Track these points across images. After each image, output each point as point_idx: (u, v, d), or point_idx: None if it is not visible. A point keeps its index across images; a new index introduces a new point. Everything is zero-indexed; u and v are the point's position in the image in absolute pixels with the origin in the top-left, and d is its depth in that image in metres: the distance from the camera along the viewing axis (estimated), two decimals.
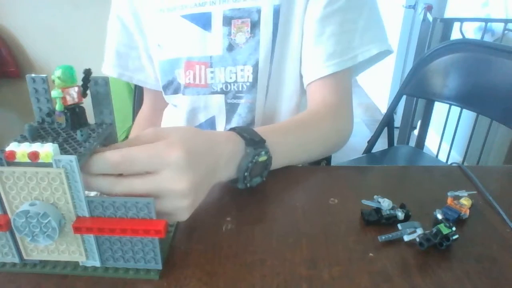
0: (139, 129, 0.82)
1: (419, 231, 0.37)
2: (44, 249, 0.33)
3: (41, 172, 0.30)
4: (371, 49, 0.63)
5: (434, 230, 0.37)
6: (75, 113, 0.34)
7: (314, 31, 0.62)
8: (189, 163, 0.35)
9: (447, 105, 1.17)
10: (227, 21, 0.64)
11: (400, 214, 0.40)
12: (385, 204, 0.41)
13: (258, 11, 0.62)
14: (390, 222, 0.40)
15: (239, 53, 0.65)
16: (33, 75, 0.34)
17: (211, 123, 0.72)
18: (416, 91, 1.13)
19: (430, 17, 1.87)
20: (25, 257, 0.34)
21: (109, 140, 0.37)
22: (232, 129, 0.46)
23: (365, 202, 0.41)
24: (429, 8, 1.96)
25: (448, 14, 2.21)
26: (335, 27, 0.62)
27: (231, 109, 0.69)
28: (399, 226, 0.38)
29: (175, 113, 0.76)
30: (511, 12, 1.69)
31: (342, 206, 0.44)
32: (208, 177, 0.39)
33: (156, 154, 0.34)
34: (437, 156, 1.42)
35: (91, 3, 1.79)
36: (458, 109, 1.15)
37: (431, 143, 2.06)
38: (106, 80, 0.35)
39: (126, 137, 1.54)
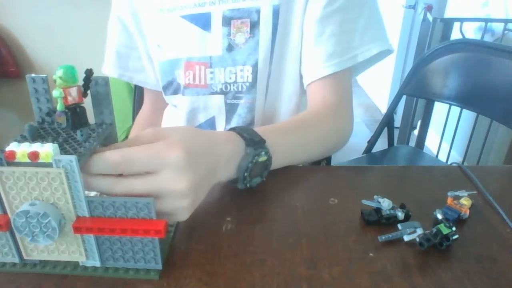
0: (139, 129, 0.82)
1: (419, 231, 0.37)
2: (44, 249, 0.33)
3: (41, 172, 0.30)
4: (371, 48, 0.63)
5: (434, 230, 0.37)
6: (76, 113, 0.34)
7: (314, 31, 0.62)
8: (189, 163, 0.35)
9: (447, 105, 1.17)
10: (227, 21, 0.64)
11: (400, 214, 0.40)
12: (385, 204, 0.41)
13: (258, 12, 0.62)
14: (390, 222, 0.40)
15: (238, 54, 0.65)
16: (33, 75, 0.34)
17: (211, 123, 0.72)
18: (416, 91, 1.13)
19: (430, 17, 1.87)
20: (25, 257, 0.34)
21: (109, 140, 0.37)
22: (232, 129, 0.46)
23: (365, 202, 0.41)
24: (429, 8, 1.96)
25: (448, 14, 2.21)
26: (335, 27, 0.62)
27: (230, 109, 0.69)
28: (399, 226, 0.38)
29: (175, 114, 0.76)
30: (511, 12, 1.69)
31: (342, 206, 0.44)
32: (208, 177, 0.39)
33: (156, 154, 0.34)
34: (437, 156, 1.42)
35: (90, 3, 1.79)
36: (458, 109, 1.15)
37: (431, 143, 2.06)
38: (106, 80, 0.35)
39: (126, 137, 1.54)
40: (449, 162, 1.40)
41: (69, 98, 0.33)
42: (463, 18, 1.76)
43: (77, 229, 0.31)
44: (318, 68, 0.63)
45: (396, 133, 1.30)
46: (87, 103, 0.36)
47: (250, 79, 0.65)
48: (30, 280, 0.34)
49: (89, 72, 0.34)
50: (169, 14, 0.67)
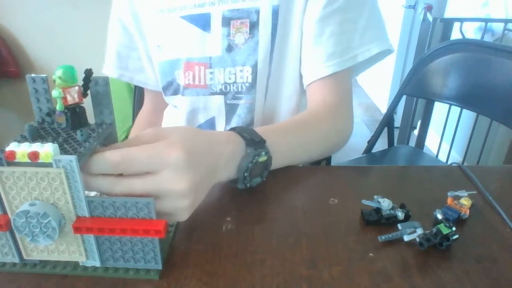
0: (139, 130, 0.82)
1: (419, 231, 0.37)
2: (44, 249, 0.33)
3: (41, 172, 0.30)
4: (372, 48, 0.63)
5: (434, 230, 0.37)
6: (75, 113, 0.34)
7: (314, 32, 0.62)
8: (189, 163, 0.35)
9: (447, 105, 1.17)
10: (226, 21, 0.64)
11: (400, 214, 0.40)
12: (385, 204, 0.41)
13: (257, 12, 0.62)
14: (390, 222, 0.40)
15: (238, 54, 0.65)
16: (33, 75, 0.34)
17: (210, 123, 0.72)
18: (416, 91, 1.13)
19: (430, 17, 1.87)
20: (25, 257, 0.34)
21: (109, 140, 0.37)
22: (232, 129, 0.46)
23: (365, 202, 0.41)
24: (429, 8, 1.96)
25: (448, 14, 2.21)
26: (334, 27, 0.62)
27: (230, 109, 0.69)
28: (399, 226, 0.38)
29: (175, 114, 0.76)
30: (511, 12, 1.69)
31: (342, 206, 0.44)
32: (208, 177, 0.39)
33: (155, 155, 0.34)
34: (437, 156, 1.42)
35: (90, 3, 1.79)
36: (458, 109, 1.15)
37: (431, 143, 2.06)
38: (106, 80, 0.35)
39: (126, 137, 1.54)
40: (449, 162, 1.40)
41: (69, 98, 0.33)
42: (463, 18, 1.76)
43: (77, 229, 0.31)
44: (318, 68, 0.63)
45: (396, 133, 1.30)
46: (87, 103, 0.36)
47: (249, 80, 0.65)
48: (30, 280, 0.34)
49: (88, 72, 0.34)
50: (169, 15, 0.67)
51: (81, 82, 0.34)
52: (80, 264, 0.34)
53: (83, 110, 0.35)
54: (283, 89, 0.68)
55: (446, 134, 1.35)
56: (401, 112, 2.09)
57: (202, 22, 0.65)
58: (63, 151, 0.31)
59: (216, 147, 0.41)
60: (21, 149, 0.29)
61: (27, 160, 0.29)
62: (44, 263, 0.35)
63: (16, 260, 0.34)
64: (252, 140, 0.45)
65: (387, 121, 1.18)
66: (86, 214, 0.32)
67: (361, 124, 2.90)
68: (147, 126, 0.79)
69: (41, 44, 1.88)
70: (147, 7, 0.69)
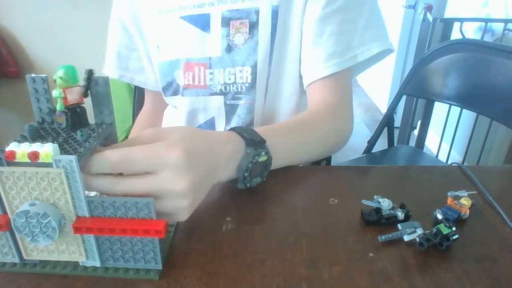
0: (139, 130, 0.82)
1: (419, 231, 0.37)
2: (44, 249, 0.33)
3: (41, 172, 0.30)
4: (372, 48, 0.63)
5: (434, 230, 0.37)
6: (76, 113, 0.34)
7: (314, 32, 0.62)
8: (188, 163, 0.35)
9: (447, 105, 1.17)
10: (226, 22, 0.64)
11: (400, 214, 0.40)
12: (385, 204, 0.41)
13: (257, 12, 0.62)
14: (390, 222, 0.40)
15: (237, 54, 0.65)
16: (33, 75, 0.34)
17: (210, 124, 0.72)
18: (416, 91, 1.13)
19: (430, 17, 1.87)
20: (25, 257, 0.34)
21: (109, 140, 0.37)
22: (232, 129, 0.46)
23: (365, 202, 0.41)
24: (429, 8, 1.96)
25: (448, 14, 2.21)
26: (334, 27, 0.62)
27: (230, 110, 0.69)
28: (399, 226, 0.38)
29: (175, 114, 0.76)
30: (511, 12, 1.69)
31: (342, 206, 0.44)
32: (208, 177, 0.39)
33: (155, 155, 0.34)
34: (437, 156, 1.42)
35: (90, 3, 1.79)
36: (458, 109, 1.15)
37: (431, 143, 2.06)
38: (106, 80, 0.35)
39: (126, 137, 1.54)
40: (449, 162, 1.40)
41: (69, 98, 0.33)
42: (463, 18, 1.76)
43: (77, 229, 0.31)
44: (318, 69, 0.63)
45: (396, 133, 1.30)
46: (87, 103, 0.36)
47: (249, 80, 0.65)
48: (30, 280, 0.34)
49: (90, 73, 0.34)
50: (168, 15, 0.67)
51: (81, 82, 0.34)
52: (80, 264, 0.34)
53: (83, 110, 0.35)
54: (283, 89, 0.68)
55: (446, 134, 1.35)
56: (401, 112, 2.09)
57: (202, 22, 0.65)
58: (63, 151, 0.31)
59: (216, 147, 0.41)
60: (21, 149, 0.29)
61: (27, 160, 0.29)
62: (44, 263, 0.35)
63: (16, 260, 0.34)
64: (252, 140, 0.45)
65: (387, 121, 1.18)
66: (86, 214, 0.32)
67: (361, 124, 2.90)
68: (147, 127, 0.79)
69: (41, 44, 1.88)
70: (147, 8, 0.69)
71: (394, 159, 1.20)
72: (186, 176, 0.35)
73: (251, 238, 0.39)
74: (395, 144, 1.26)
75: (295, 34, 0.64)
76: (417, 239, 0.36)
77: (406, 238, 0.37)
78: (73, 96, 0.34)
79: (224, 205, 0.44)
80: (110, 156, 0.33)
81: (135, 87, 1.05)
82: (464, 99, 1.05)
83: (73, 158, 0.29)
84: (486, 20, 1.74)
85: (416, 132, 1.85)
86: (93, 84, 0.35)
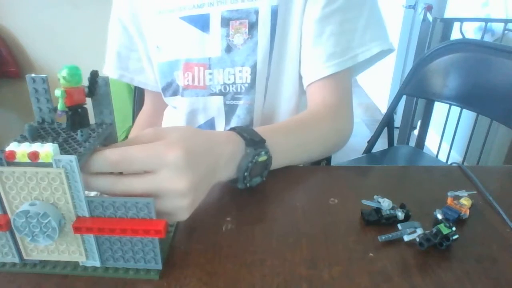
0: (139, 130, 0.82)
1: (419, 231, 0.37)
2: (44, 249, 0.33)
3: (41, 172, 0.30)
4: (372, 48, 0.63)
5: (434, 230, 0.37)
6: (77, 114, 0.34)
7: (313, 32, 0.62)
8: (188, 163, 0.35)
9: (447, 105, 1.17)
10: (225, 22, 0.64)
11: (400, 214, 0.40)
12: (385, 204, 0.41)
13: (256, 12, 0.62)
14: (390, 222, 0.40)
15: (237, 54, 0.65)
16: (33, 75, 0.34)
17: (210, 124, 0.72)
18: (416, 91, 1.13)
19: (430, 17, 1.87)
20: (25, 257, 0.34)
21: (109, 140, 0.37)
22: (232, 129, 0.46)
23: (365, 202, 0.41)
24: (429, 8, 1.96)
25: (448, 14, 2.21)
26: (334, 27, 0.62)
27: (230, 110, 0.69)
28: (399, 226, 0.38)
29: (175, 115, 0.76)
30: (511, 12, 1.69)
31: (342, 206, 0.44)
32: (207, 177, 0.39)
33: (154, 154, 0.34)
34: (437, 156, 1.42)
35: (90, 3, 1.79)
36: (458, 109, 1.15)
37: (431, 143, 2.06)
38: (106, 80, 0.35)
39: (126, 137, 1.54)
40: (449, 162, 1.40)
41: (71, 99, 0.33)
42: (463, 18, 1.76)
43: (77, 229, 0.31)
44: (318, 69, 0.63)
45: (396, 133, 1.30)
46: (87, 103, 0.36)
47: (248, 80, 0.65)
48: (30, 280, 0.34)
49: (94, 74, 0.34)
50: (168, 16, 0.67)
51: (84, 83, 0.34)
52: (80, 264, 0.34)
53: (85, 111, 0.35)
54: (283, 89, 0.68)
55: (446, 134, 1.35)
56: (401, 112, 2.09)
57: (201, 23, 0.65)
58: (63, 151, 0.31)
59: (216, 147, 0.41)
60: (21, 149, 0.29)
61: (27, 160, 0.29)
62: (44, 263, 0.35)
63: (16, 260, 0.34)
64: (252, 140, 0.45)
65: (387, 121, 1.18)
66: (86, 214, 0.32)
67: (361, 124, 2.90)
68: (147, 127, 0.78)
69: (41, 44, 1.89)
70: (147, 8, 0.69)
71: (394, 159, 1.20)
72: (186, 175, 0.35)
73: (251, 238, 0.39)
74: (395, 144, 1.26)
75: (295, 34, 0.64)
76: (417, 239, 0.36)
77: (406, 238, 0.37)
78: (75, 96, 0.33)
79: (224, 205, 0.44)
80: (110, 155, 0.33)
81: (135, 87, 1.05)
82: (464, 99, 1.05)
83: (73, 158, 0.29)
84: (486, 20, 1.74)
85: (416, 132, 1.85)
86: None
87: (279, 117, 0.70)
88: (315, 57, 0.63)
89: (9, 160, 0.29)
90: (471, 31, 1.84)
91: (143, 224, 0.31)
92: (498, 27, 1.70)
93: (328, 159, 0.80)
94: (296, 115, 0.64)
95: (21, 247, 0.33)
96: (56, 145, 0.30)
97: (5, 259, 0.34)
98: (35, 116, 0.36)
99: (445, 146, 1.45)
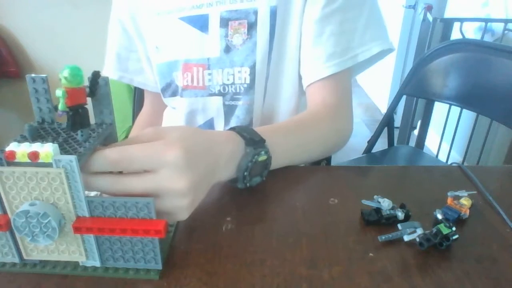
0: (139, 131, 0.82)
1: (419, 231, 0.37)
2: (44, 249, 0.33)
3: (41, 172, 0.30)
4: (372, 48, 0.63)
5: (434, 230, 0.37)
6: (77, 114, 0.34)
7: (313, 32, 0.62)
8: (187, 162, 0.35)
9: (447, 105, 1.17)
10: (224, 22, 0.64)
11: (400, 214, 0.40)
12: (385, 204, 0.41)
13: (255, 12, 0.62)
14: (390, 222, 0.40)
15: (236, 55, 0.64)
16: (33, 75, 0.34)
17: (209, 125, 0.72)
18: (416, 91, 1.13)
19: (430, 17, 1.87)
20: (25, 257, 0.34)
21: (109, 140, 0.37)
22: (232, 129, 0.46)
23: (365, 202, 0.41)
24: (429, 8, 1.96)
25: (448, 14, 2.21)
26: (334, 27, 0.62)
27: (229, 111, 0.69)
28: (399, 226, 0.38)
29: (174, 115, 0.76)
30: (511, 12, 1.69)
31: (342, 206, 0.44)
32: (207, 176, 0.39)
33: (154, 153, 0.34)
34: (437, 156, 1.42)
35: (90, 3, 1.79)
36: (458, 109, 1.15)
37: (431, 143, 2.06)
38: (106, 80, 0.35)
39: (126, 137, 1.54)
40: (449, 162, 1.40)
41: (72, 99, 0.33)
42: (463, 18, 1.76)
43: (77, 229, 0.31)
44: (318, 69, 0.63)
45: (396, 133, 1.30)
46: (88, 103, 0.36)
47: (248, 81, 0.65)
48: (30, 280, 0.34)
49: (96, 75, 0.34)
50: (166, 16, 0.67)
51: (86, 83, 0.34)
52: (80, 264, 0.34)
53: (86, 111, 0.35)
54: (282, 90, 0.68)
55: (446, 134, 1.35)
56: (401, 112, 2.09)
57: (200, 23, 0.65)
58: (63, 151, 0.31)
59: (216, 146, 0.41)
60: (21, 149, 0.29)
61: (27, 160, 0.29)
62: (44, 263, 0.35)
63: (16, 260, 0.34)
64: (252, 139, 0.45)
65: (387, 121, 1.18)
66: (86, 214, 0.32)
67: (361, 124, 2.90)
68: (147, 127, 0.79)
69: (41, 44, 1.89)
70: (146, 9, 0.69)
71: (394, 159, 1.20)
72: (185, 175, 0.34)
73: (251, 238, 0.39)
74: (395, 144, 1.26)
75: (294, 34, 0.64)
76: (417, 239, 0.36)
77: (406, 238, 0.37)
78: (76, 96, 0.33)
79: (224, 205, 0.44)
80: (109, 154, 0.33)
81: (135, 87, 1.05)
82: (464, 99, 1.05)
83: (73, 158, 0.29)
84: (486, 20, 1.74)
85: (416, 132, 1.85)
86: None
87: (278, 117, 0.70)
88: (315, 57, 0.63)
89: (9, 160, 0.29)
90: (471, 31, 1.84)
91: (143, 224, 0.31)
92: (498, 27, 1.70)
93: (328, 159, 0.80)
94: (296, 115, 0.64)
95: (21, 247, 0.33)
96: (56, 145, 0.30)
97: (5, 259, 0.34)
98: (35, 116, 0.36)
99: (445, 146, 1.45)
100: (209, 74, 0.67)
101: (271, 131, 0.50)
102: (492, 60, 0.98)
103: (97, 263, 0.34)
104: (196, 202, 0.37)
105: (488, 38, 1.76)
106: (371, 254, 0.36)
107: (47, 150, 0.29)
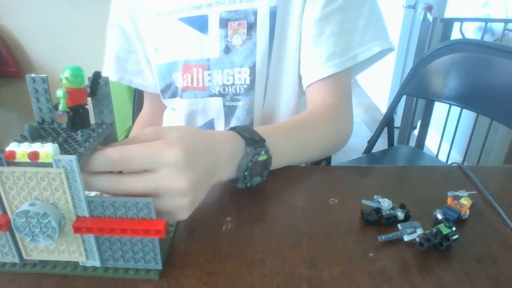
0: (139, 131, 0.82)
1: (419, 231, 0.37)
2: (44, 249, 0.34)
3: (41, 172, 0.30)
4: (372, 47, 0.63)
5: (434, 230, 0.37)
6: (78, 114, 0.34)
7: (313, 32, 0.62)
8: (187, 162, 0.35)
9: (447, 105, 1.17)
10: (224, 23, 0.64)
11: (400, 214, 0.40)
12: (385, 204, 0.41)
13: (255, 13, 0.62)
14: (390, 222, 0.40)
15: (236, 55, 0.64)
16: (33, 75, 0.34)
17: (209, 126, 0.72)
18: (416, 91, 1.13)
19: (430, 17, 1.87)
20: (25, 257, 0.34)
21: (109, 140, 0.37)
22: (232, 129, 0.46)
23: (365, 202, 0.41)
24: (429, 8, 1.96)
25: (448, 14, 2.21)
26: (334, 27, 0.62)
27: (229, 111, 0.69)
28: (399, 226, 0.38)
29: (174, 116, 0.76)
30: (511, 12, 1.69)
31: (342, 206, 0.44)
32: (207, 176, 0.39)
33: (154, 153, 0.34)
34: (437, 156, 1.42)
35: (90, 3, 1.79)
36: (458, 109, 1.15)
37: (431, 143, 2.06)
38: (106, 80, 0.35)
39: (126, 137, 1.54)
40: (449, 162, 1.40)
41: (73, 99, 0.33)
42: (463, 18, 1.76)
43: (77, 229, 0.31)
44: (319, 69, 0.63)
45: (396, 133, 1.30)
46: (88, 103, 0.36)
47: (248, 81, 0.65)
48: (30, 280, 0.34)
49: (97, 75, 0.34)
50: (166, 17, 0.67)
51: (86, 83, 0.34)
52: (80, 264, 0.34)
53: (86, 111, 0.35)
54: (282, 90, 0.68)
55: (446, 134, 1.35)
56: (401, 112, 2.09)
57: (200, 24, 0.65)
58: (63, 151, 0.31)
59: (216, 146, 0.41)
60: (21, 149, 0.29)
61: (27, 160, 0.29)
62: (44, 263, 0.35)
63: (16, 260, 0.34)
64: (252, 139, 0.45)
65: (387, 121, 1.18)
66: (86, 214, 0.32)
67: (361, 124, 2.90)
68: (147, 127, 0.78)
69: (41, 44, 1.89)
70: (145, 10, 0.69)
71: (394, 159, 1.20)
72: (185, 174, 0.35)
73: (251, 238, 0.39)
74: (395, 144, 1.26)
75: (294, 34, 0.64)
76: (417, 239, 0.36)
77: (406, 238, 0.37)
78: (77, 97, 0.33)
79: (224, 205, 0.44)
80: (109, 154, 0.33)
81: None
82: (464, 99, 1.05)
83: (73, 158, 0.29)
84: (486, 20, 1.74)
85: (416, 132, 1.85)
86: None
87: (279, 118, 0.70)
88: (315, 58, 0.63)
89: (9, 160, 0.29)
90: (471, 31, 1.84)
91: (143, 224, 0.31)
92: (498, 27, 1.70)
93: (328, 159, 0.80)
94: (296, 116, 0.64)
95: (21, 247, 0.33)
96: (56, 145, 0.30)
97: (5, 259, 0.34)
98: (35, 116, 0.36)
99: (445, 146, 1.45)
100: (209, 75, 0.67)
101: (271, 131, 0.50)
102: (492, 60, 0.98)
103: (97, 263, 0.34)
104: (196, 202, 0.37)
105: (488, 38, 1.76)
106: (371, 254, 0.36)
107: (47, 150, 0.29)
